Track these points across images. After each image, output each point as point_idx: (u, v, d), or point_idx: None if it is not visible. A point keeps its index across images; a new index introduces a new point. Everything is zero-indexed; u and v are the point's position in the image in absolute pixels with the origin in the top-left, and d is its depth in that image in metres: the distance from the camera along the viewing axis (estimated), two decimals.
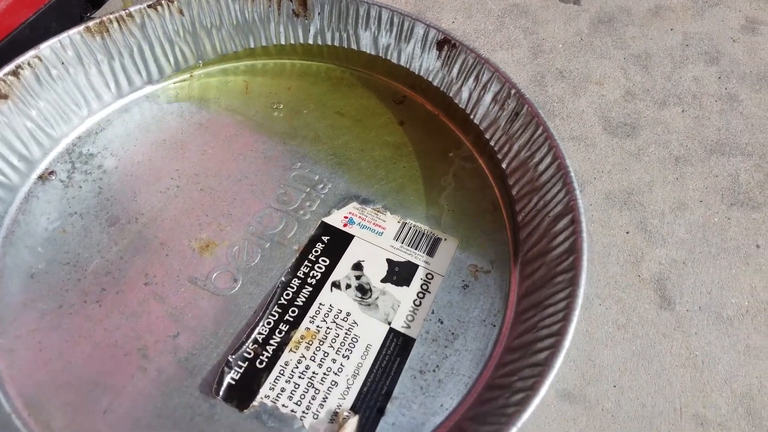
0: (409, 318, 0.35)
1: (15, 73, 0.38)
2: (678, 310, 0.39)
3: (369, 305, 0.36)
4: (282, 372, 0.33)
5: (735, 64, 0.50)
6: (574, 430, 0.34)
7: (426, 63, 0.45)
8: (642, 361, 0.37)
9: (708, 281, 0.41)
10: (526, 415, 0.26)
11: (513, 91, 0.41)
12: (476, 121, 0.44)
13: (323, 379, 0.33)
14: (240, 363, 0.33)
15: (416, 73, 0.46)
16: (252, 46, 0.47)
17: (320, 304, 0.36)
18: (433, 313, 0.36)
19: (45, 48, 0.39)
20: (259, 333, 0.34)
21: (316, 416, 0.31)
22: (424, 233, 0.39)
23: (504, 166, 0.42)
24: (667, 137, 0.46)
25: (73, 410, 0.31)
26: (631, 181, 0.45)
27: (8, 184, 0.38)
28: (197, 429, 0.31)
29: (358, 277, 0.37)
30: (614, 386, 0.36)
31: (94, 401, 0.31)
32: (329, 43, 0.47)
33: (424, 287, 0.37)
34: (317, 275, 0.37)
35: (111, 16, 0.42)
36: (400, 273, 0.37)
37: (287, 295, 0.36)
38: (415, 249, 0.39)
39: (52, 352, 0.33)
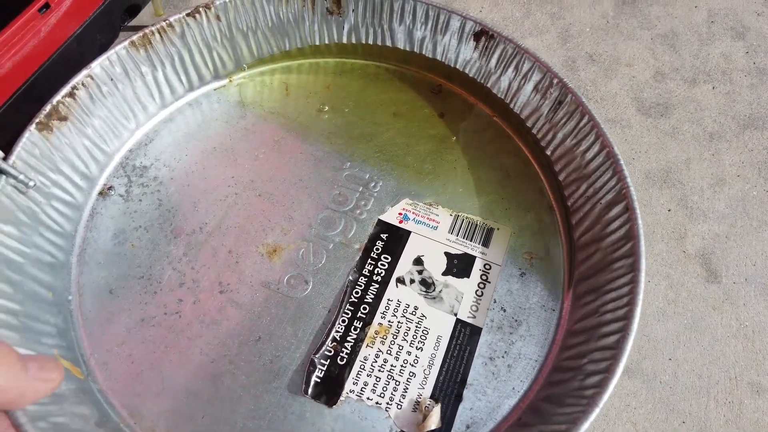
0: (473, 308, 0.37)
1: (71, 94, 0.38)
2: (725, 283, 0.41)
3: (434, 298, 0.38)
4: (362, 367, 0.35)
5: (762, 38, 0.50)
6: (635, 403, 0.36)
7: (463, 54, 0.46)
8: (694, 334, 0.39)
9: (752, 253, 0.43)
10: (606, 396, 0.29)
11: (555, 81, 0.42)
12: (516, 109, 0.45)
13: (401, 371, 0.35)
14: (323, 361, 0.35)
15: (452, 65, 0.47)
16: (287, 48, 0.48)
17: (388, 299, 0.37)
18: (495, 302, 0.38)
19: (96, 66, 0.39)
20: (336, 331, 0.36)
21: (399, 406, 0.34)
22: (477, 224, 0.41)
23: (548, 153, 0.43)
24: (700, 114, 0.48)
25: (173, 417, 0.33)
26: (668, 159, 0.46)
27: (74, 203, 0.39)
28: (291, 427, 0.33)
29: (420, 272, 0.39)
30: (670, 359, 0.38)
31: (191, 407, 0.33)
32: (363, 41, 0.48)
33: (484, 277, 0.39)
34: (381, 272, 0.39)
35: (153, 28, 0.42)
36: (459, 265, 0.39)
37: (356, 293, 0.37)
38: (470, 240, 0.40)
39: (143, 364, 0.34)
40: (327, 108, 0.46)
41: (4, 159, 0.33)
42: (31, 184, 0.34)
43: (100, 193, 0.41)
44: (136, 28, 0.51)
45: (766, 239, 0.43)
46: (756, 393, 0.37)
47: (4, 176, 0.33)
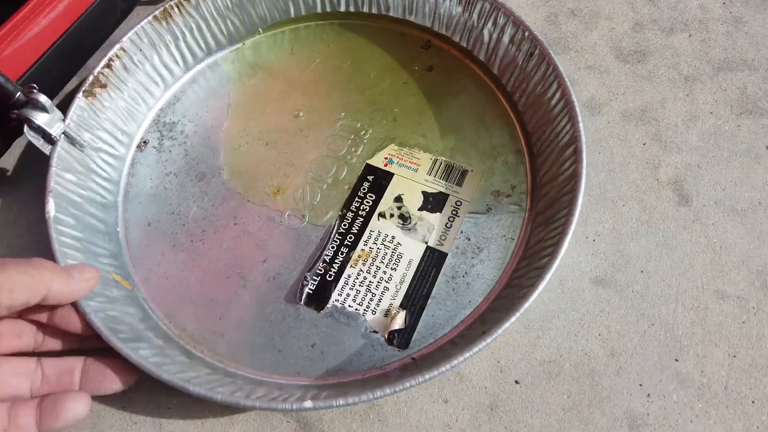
0: (442, 237, 0.44)
1: (108, 65, 0.46)
2: (695, 206, 0.44)
3: (409, 230, 0.45)
4: (346, 282, 0.43)
5: None
6: (608, 309, 0.41)
7: (449, 10, 0.50)
8: (665, 250, 0.42)
9: (722, 180, 0.45)
10: (527, 303, 0.35)
11: (527, 33, 0.46)
12: (497, 62, 0.49)
13: (377, 286, 0.42)
14: (314, 278, 0.43)
15: (441, 20, 0.51)
16: (292, 14, 0.54)
17: (371, 230, 0.45)
18: (461, 232, 0.44)
19: (126, 41, 0.47)
20: (326, 254, 0.44)
21: (374, 312, 0.41)
22: (453, 166, 0.47)
23: (522, 102, 0.48)
24: (676, 60, 0.50)
25: (198, 318, 0.42)
26: (644, 100, 0.49)
27: (118, 154, 0.48)
28: (288, 326, 0.41)
29: (399, 208, 0.45)
30: (641, 272, 0.42)
31: (211, 312, 0.42)
32: (361, 9, 0.53)
33: (454, 212, 0.45)
34: (366, 208, 0.46)
35: (171, 3, 0.49)
36: (433, 202, 0.46)
37: (344, 225, 0.45)
38: (446, 181, 0.46)
39: (174, 279, 0.44)
40: (325, 64, 0.52)
41: (63, 120, 0.42)
42: (86, 144, 0.43)
43: (138, 147, 0.50)
44: None
45: (736, 167, 0.46)
46: (721, 299, 0.40)
47: (64, 136, 0.42)
